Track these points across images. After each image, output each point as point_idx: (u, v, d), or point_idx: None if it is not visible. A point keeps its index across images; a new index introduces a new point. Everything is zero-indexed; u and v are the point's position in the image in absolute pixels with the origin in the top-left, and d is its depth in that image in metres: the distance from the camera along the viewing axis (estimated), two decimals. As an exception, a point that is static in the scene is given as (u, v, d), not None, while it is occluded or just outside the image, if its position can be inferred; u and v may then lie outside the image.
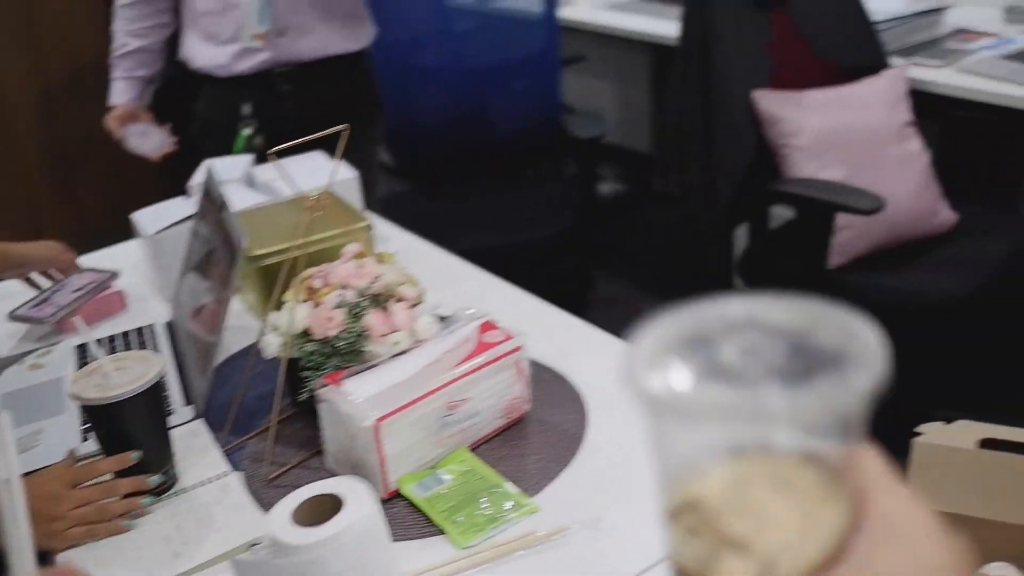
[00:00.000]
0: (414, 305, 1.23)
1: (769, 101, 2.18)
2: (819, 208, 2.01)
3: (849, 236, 2.15)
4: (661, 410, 0.38)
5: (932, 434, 0.90)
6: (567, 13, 3.25)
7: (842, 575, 0.38)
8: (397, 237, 1.84)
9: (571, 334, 1.47)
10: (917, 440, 0.91)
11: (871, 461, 0.41)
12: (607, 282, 3.47)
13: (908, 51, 2.48)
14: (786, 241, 2.23)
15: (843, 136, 2.19)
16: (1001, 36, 2.55)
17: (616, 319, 3.25)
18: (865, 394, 0.35)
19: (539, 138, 2.94)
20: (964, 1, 2.78)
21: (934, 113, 2.43)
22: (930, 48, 2.50)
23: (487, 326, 1.24)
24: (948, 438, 0.90)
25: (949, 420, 0.91)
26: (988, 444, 0.90)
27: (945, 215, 2.27)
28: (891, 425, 0.92)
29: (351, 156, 1.54)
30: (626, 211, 3.98)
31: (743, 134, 2.16)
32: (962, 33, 2.60)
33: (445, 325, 1.24)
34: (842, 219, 2.09)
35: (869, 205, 1.93)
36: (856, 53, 2.35)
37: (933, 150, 2.33)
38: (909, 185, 2.21)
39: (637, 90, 3.84)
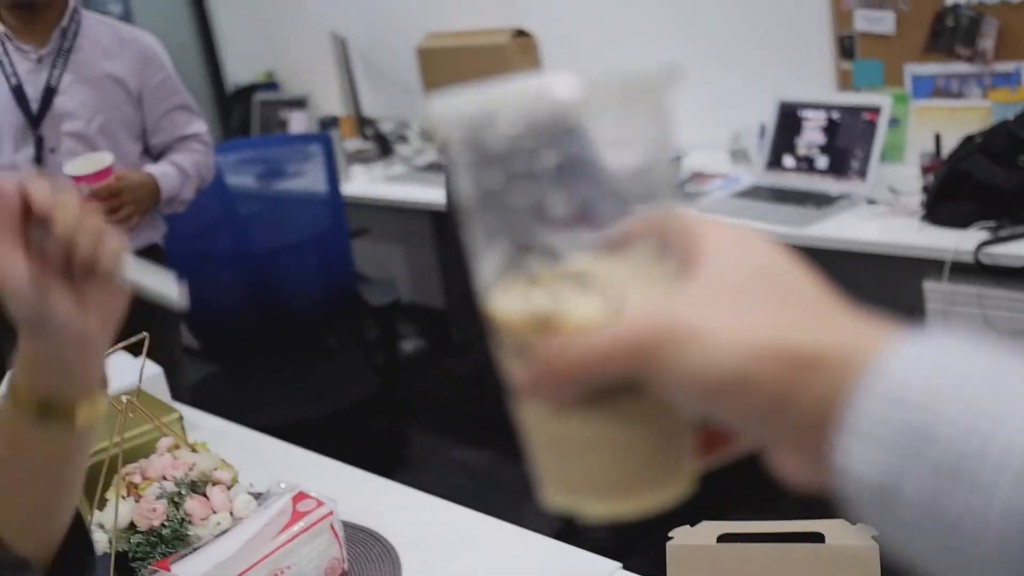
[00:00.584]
0: (230, 487, 1.34)
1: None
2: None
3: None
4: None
5: (680, 536, 1.09)
6: (348, 190, 3.46)
7: (693, 292, 0.40)
8: (207, 423, 1.94)
9: (382, 493, 1.60)
10: (669, 544, 1.09)
11: (684, 212, 0.43)
12: (419, 436, 3.61)
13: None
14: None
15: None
16: (729, 175, 2.92)
17: (431, 471, 3.39)
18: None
19: (337, 309, 3.09)
20: (697, 146, 3.15)
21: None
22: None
23: (299, 496, 1.36)
24: (694, 538, 1.09)
25: (693, 523, 1.10)
26: (726, 538, 1.09)
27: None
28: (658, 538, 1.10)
29: (154, 351, 1.64)
30: (429, 366, 4.17)
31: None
32: (698, 176, 2.96)
33: (261, 501, 1.36)
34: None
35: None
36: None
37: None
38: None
39: (425, 251, 4.08)
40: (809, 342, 0.38)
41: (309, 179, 3.17)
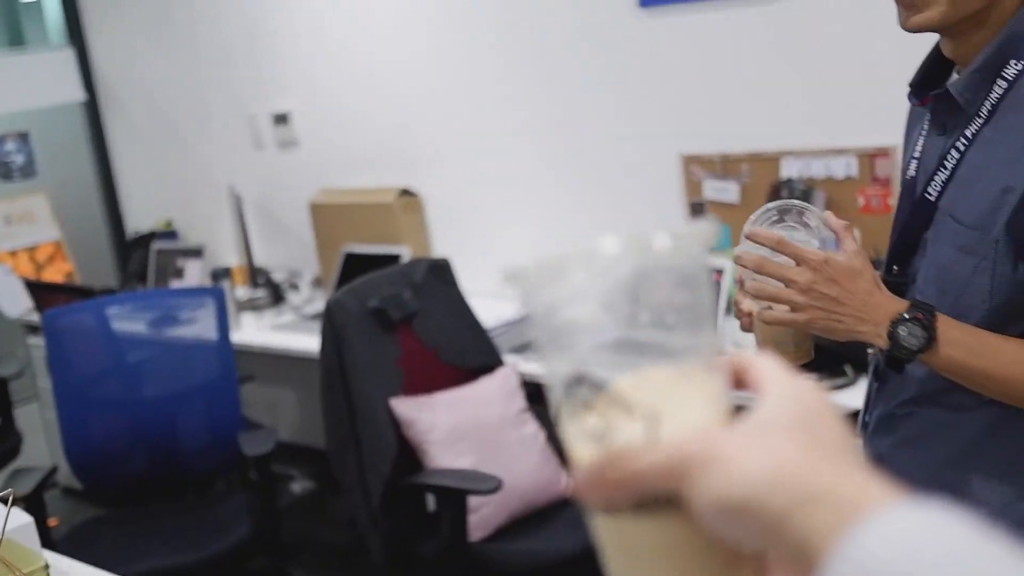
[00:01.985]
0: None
1: (405, 407, 2.59)
2: (450, 493, 2.40)
3: (488, 511, 2.54)
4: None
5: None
6: (239, 337, 3.60)
7: (725, 439, 0.45)
8: (77, 570, 2.02)
9: None
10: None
11: (762, 361, 0.49)
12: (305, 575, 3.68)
13: (519, 348, 3.01)
14: (433, 523, 2.58)
15: (470, 428, 2.62)
16: (596, 328, 3.14)
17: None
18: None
19: (222, 454, 3.18)
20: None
21: (546, 399, 2.94)
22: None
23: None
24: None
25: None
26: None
27: (566, 481, 2.73)
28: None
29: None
30: (316, 506, 4.25)
31: (385, 436, 2.55)
32: (565, 329, 3.17)
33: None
34: (478, 498, 2.48)
35: (488, 487, 2.34)
36: (475, 356, 2.84)
37: (550, 428, 2.81)
38: (530, 462, 2.66)
39: (313, 395, 4.20)
40: (814, 479, 0.42)
41: (200, 327, 3.29)
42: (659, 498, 0.46)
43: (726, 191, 3.15)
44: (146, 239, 4.64)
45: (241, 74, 4.34)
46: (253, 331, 3.75)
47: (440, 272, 2.90)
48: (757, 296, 1.29)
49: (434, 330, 2.79)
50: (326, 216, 3.98)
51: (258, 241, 4.43)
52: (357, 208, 3.86)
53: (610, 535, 0.50)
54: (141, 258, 4.55)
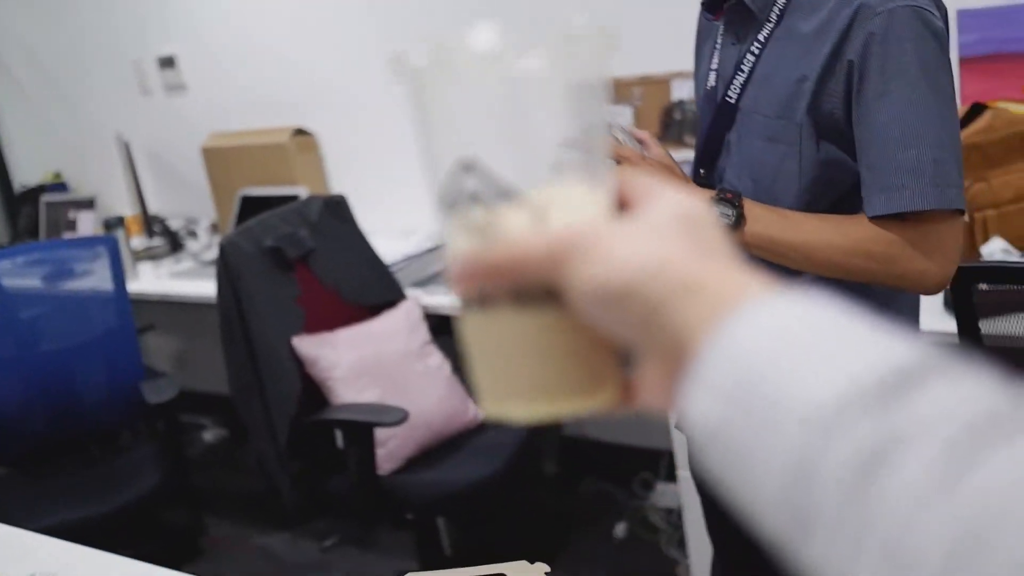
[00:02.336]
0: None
1: (307, 345, 2.58)
2: (356, 428, 2.41)
3: (396, 444, 2.55)
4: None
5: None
6: (136, 287, 3.53)
7: (609, 229, 0.46)
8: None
9: None
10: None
11: (649, 179, 0.49)
12: (221, 524, 3.67)
13: (422, 282, 3.01)
14: (342, 460, 2.59)
15: (374, 363, 2.62)
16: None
17: (231, 560, 3.46)
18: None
19: (125, 406, 3.13)
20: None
21: (450, 329, 2.96)
22: (439, 277, 3.05)
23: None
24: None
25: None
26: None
27: (472, 411, 2.75)
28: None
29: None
30: (229, 455, 4.22)
31: (289, 376, 2.53)
32: (466, 260, 3.17)
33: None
34: (385, 432, 2.49)
35: (393, 418, 2.35)
36: (376, 292, 2.83)
37: (455, 359, 2.83)
38: (435, 393, 2.67)
39: (219, 342, 4.15)
40: (692, 272, 0.43)
41: (95, 279, 3.22)
42: (536, 291, 0.46)
43: (620, 115, 3.17)
44: (35, 192, 4.50)
45: (122, 18, 4.19)
46: (152, 280, 3.67)
47: (336, 209, 2.87)
48: None
49: (333, 268, 2.77)
50: (220, 160, 3.89)
51: (152, 189, 4.32)
52: (251, 150, 3.79)
53: (479, 332, 0.49)
54: (31, 213, 4.41)
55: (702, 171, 1.52)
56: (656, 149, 1.50)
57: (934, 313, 2.08)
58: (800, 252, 1.35)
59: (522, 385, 0.48)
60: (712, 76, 1.53)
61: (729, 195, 1.35)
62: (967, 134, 2.18)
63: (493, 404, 0.49)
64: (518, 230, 0.46)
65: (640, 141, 1.49)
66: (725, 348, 0.40)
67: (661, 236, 0.45)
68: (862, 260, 1.34)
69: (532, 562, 1.32)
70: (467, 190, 0.46)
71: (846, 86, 1.32)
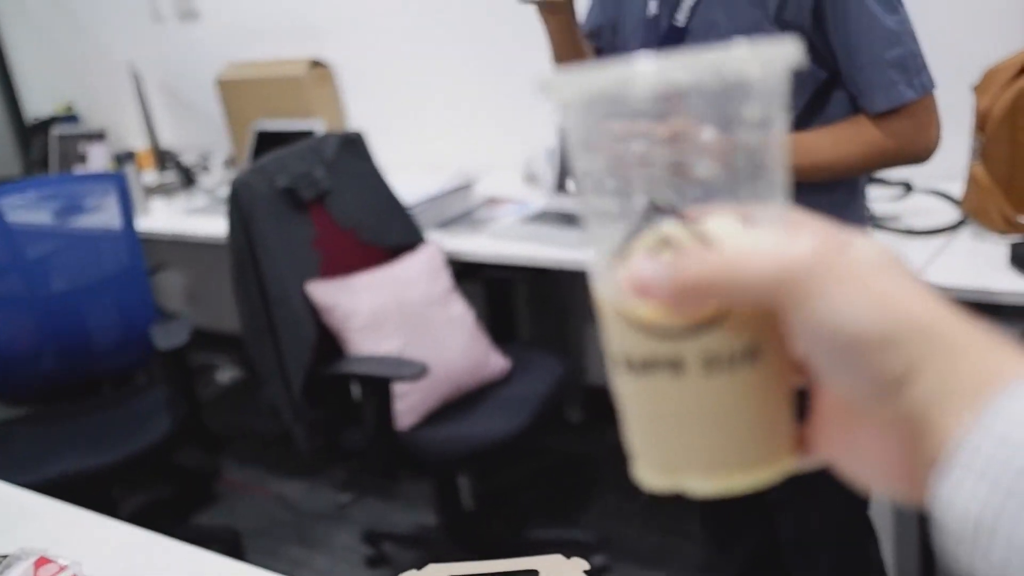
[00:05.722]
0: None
1: (323, 291, 2.44)
2: (373, 382, 2.28)
3: (416, 398, 2.42)
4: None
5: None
6: (148, 224, 3.40)
7: (844, 261, 0.38)
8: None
9: (155, 550, 1.47)
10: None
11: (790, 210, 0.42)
12: (236, 468, 3.58)
13: (444, 224, 2.85)
14: (358, 412, 2.46)
15: (394, 310, 2.48)
16: (521, 200, 2.99)
17: (246, 504, 3.37)
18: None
19: (137, 348, 3.02)
20: (491, 168, 3.22)
21: (474, 275, 2.81)
22: (463, 219, 2.90)
23: (41, 561, 1.35)
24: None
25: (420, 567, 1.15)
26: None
27: (496, 363, 2.61)
28: None
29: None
30: (244, 395, 4.12)
31: (304, 323, 2.40)
32: (491, 201, 3.02)
33: (4, 567, 1.34)
34: (404, 385, 2.36)
35: (412, 372, 2.22)
36: (395, 234, 2.69)
37: (478, 308, 2.69)
38: (459, 343, 2.54)
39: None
40: (958, 333, 0.37)
41: (106, 216, 3.10)
42: (734, 352, 0.39)
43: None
44: (46, 124, 4.37)
45: (133, -60, 4.01)
46: (164, 217, 3.54)
47: (353, 147, 2.71)
48: None
49: (350, 208, 2.62)
50: (234, 92, 3.74)
51: (165, 122, 4.17)
52: (266, 82, 3.63)
53: (647, 401, 0.43)
54: (42, 145, 4.28)
55: None
56: None
57: (1000, 270, 1.93)
58: (825, 171, 1.52)
59: (700, 456, 0.42)
60: (654, 5, 1.56)
61: None
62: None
63: (655, 475, 0.43)
64: (738, 241, 0.39)
65: None
66: (1000, 431, 0.35)
67: (898, 280, 0.38)
68: (879, 157, 1.54)
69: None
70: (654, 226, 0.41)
71: None
